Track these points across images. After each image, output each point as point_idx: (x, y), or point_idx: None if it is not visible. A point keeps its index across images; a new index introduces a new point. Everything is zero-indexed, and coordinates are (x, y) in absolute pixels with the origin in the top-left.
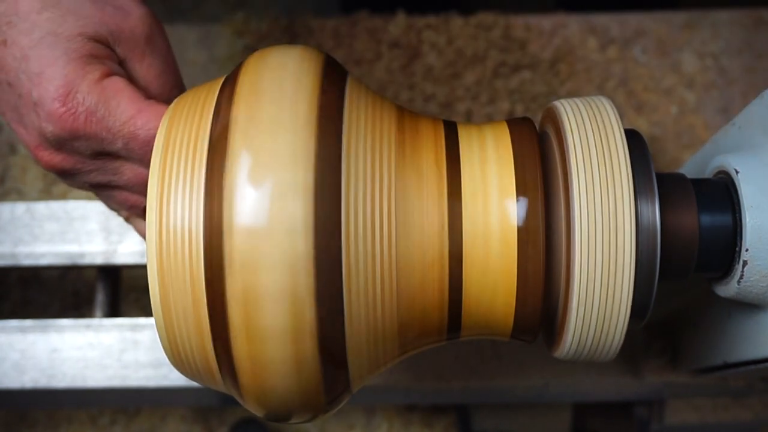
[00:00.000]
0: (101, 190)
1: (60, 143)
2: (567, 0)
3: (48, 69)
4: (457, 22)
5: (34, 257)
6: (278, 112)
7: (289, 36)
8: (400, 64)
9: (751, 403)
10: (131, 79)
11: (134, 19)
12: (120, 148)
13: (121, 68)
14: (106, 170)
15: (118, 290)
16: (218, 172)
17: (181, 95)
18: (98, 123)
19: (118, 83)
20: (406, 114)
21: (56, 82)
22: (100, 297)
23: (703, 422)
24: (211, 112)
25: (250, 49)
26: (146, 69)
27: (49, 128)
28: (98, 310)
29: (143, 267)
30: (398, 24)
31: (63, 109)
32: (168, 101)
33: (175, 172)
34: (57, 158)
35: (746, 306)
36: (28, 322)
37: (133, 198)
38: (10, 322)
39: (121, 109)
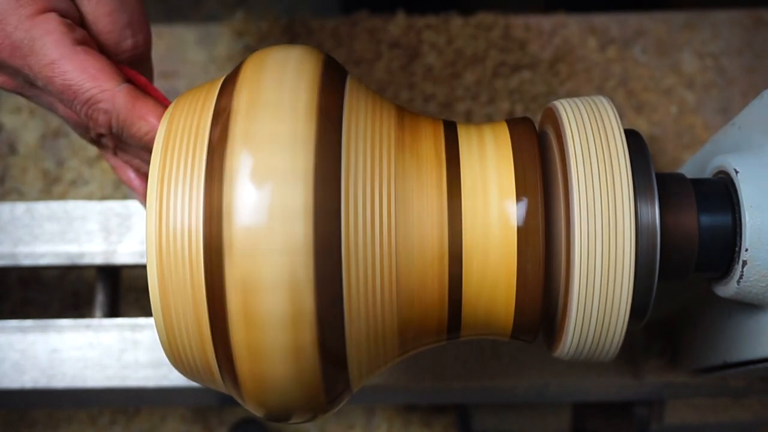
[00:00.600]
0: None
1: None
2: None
3: None
4: (457, 22)
5: (34, 257)
6: (278, 112)
7: (289, 36)
8: (400, 64)
9: (751, 403)
10: (79, 14)
11: None
12: (40, 87)
13: (70, 3)
14: (42, 99)
15: (117, 290)
16: (218, 173)
17: (181, 95)
18: (21, 59)
19: (50, 22)
20: (406, 114)
21: None
22: (100, 297)
23: (703, 422)
24: (211, 112)
25: (250, 49)
26: (95, 5)
27: None
28: (98, 310)
29: (143, 267)
30: (398, 24)
31: None
32: (119, 40)
33: (174, 172)
34: (0, 78)
35: (746, 306)
36: (28, 322)
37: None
38: (10, 322)
39: (44, 51)
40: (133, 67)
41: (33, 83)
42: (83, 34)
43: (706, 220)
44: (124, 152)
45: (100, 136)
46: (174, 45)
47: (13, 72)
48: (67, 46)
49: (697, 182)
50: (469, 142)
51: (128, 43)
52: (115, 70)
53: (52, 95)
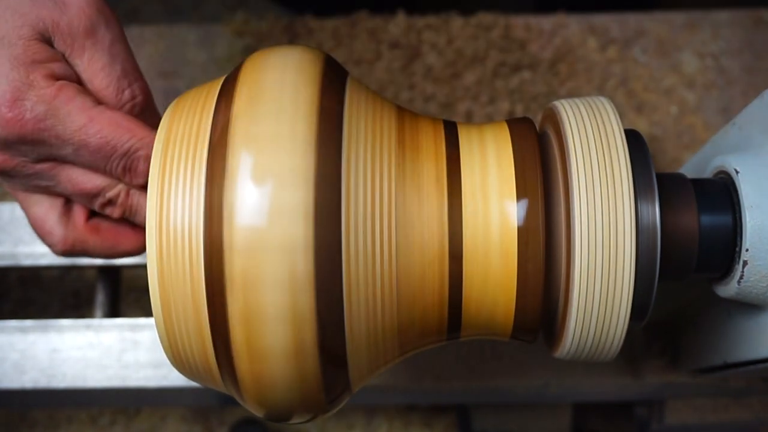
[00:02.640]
0: (33, 192)
1: (6, 145)
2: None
3: None
4: (457, 22)
5: (34, 257)
6: (278, 113)
7: (289, 36)
8: (400, 64)
9: (751, 403)
10: (75, 74)
11: (72, 11)
12: (68, 153)
13: (67, 65)
14: (44, 177)
15: (118, 290)
16: (218, 173)
17: (181, 96)
18: (47, 131)
19: (68, 90)
20: (406, 114)
21: (2, 87)
22: (100, 297)
23: (703, 422)
24: (211, 113)
25: (250, 49)
26: (87, 63)
27: None
28: (98, 310)
29: (143, 267)
30: (398, 24)
31: (10, 114)
32: (116, 92)
33: (175, 172)
34: (17, 117)
35: (746, 306)
36: (28, 322)
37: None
38: (10, 322)
39: (71, 118)
40: (148, 118)
41: (48, 157)
42: (94, 96)
43: (707, 220)
44: (137, 209)
45: (106, 204)
46: (174, 45)
47: (30, 147)
48: (91, 108)
49: (697, 182)
50: (469, 142)
51: (127, 94)
52: (141, 121)
53: (81, 159)
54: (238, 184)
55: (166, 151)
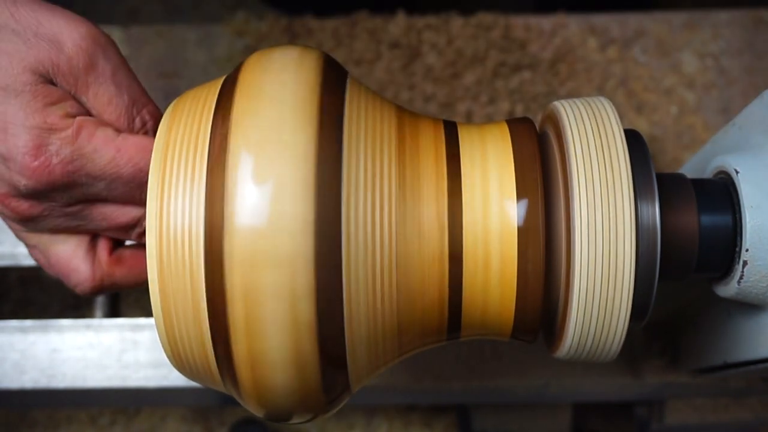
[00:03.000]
0: (58, 233)
1: (35, 195)
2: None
3: (9, 125)
4: (457, 22)
5: None
6: (278, 113)
7: (289, 36)
8: (400, 64)
9: (751, 403)
10: (86, 109)
11: (69, 49)
12: (101, 190)
13: (76, 102)
14: (76, 216)
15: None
16: (219, 173)
17: (181, 95)
18: (77, 171)
19: (88, 127)
20: (406, 114)
21: (24, 137)
22: (100, 297)
23: (703, 422)
24: (212, 113)
25: (250, 49)
26: (93, 98)
27: (22, 182)
28: (98, 310)
29: None
30: (398, 24)
31: (36, 164)
32: (127, 122)
33: (175, 172)
34: (24, 206)
35: (746, 306)
36: (28, 322)
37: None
38: (10, 322)
39: (99, 153)
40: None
41: (80, 199)
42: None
43: (707, 220)
44: None
45: (143, 233)
46: (174, 45)
47: (61, 193)
48: (115, 139)
49: (697, 182)
50: (469, 142)
51: (138, 122)
52: None
53: (114, 193)
54: (239, 190)
55: (166, 153)
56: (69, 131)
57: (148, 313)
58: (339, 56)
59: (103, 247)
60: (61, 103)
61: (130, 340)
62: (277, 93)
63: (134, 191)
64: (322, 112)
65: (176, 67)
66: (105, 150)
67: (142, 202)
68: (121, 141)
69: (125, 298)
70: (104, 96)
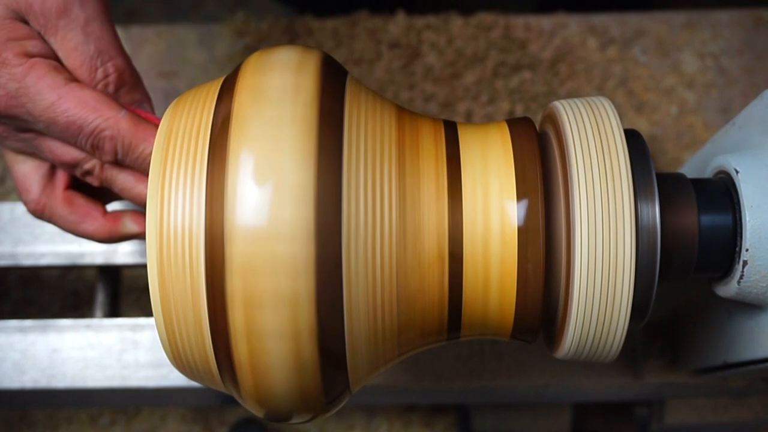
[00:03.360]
0: (22, 153)
1: None
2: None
3: None
4: (457, 22)
5: (34, 257)
6: (278, 113)
7: (289, 36)
8: (400, 64)
9: (751, 403)
10: (52, 51)
11: None
12: (42, 129)
13: (44, 43)
14: (28, 144)
15: (118, 290)
16: (219, 174)
17: (181, 96)
18: (19, 107)
19: (39, 69)
20: (406, 114)
21: None
22: (100, 297)
23: (703, 422)
24: (212, 113)
25: (250, 49)
26: (60, 42)
27: None
28: (98, 310)
29: (143, 267)
30: (398, 24)
31: None
32: (89, 71)
33: (175, 172)
34: None
35: (746, 306)
36: (28, 322)
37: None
38: (10, 322)
39: (41, 96)
40: (124, 94)
41: (28, 129)
42: (69, 73)
43: (707, 220)
44: (111, 182)
45: (85, 174)
46: (174, 45)
47: (8, 120)
48: (61, 87)
49: (697, 182)
50: (469, 142)
51: (100, 72)
52: (111, 99)
53: (53, 135)
54: (238, 195)
55: (167, 150)
56: (20, 69)
57: (148, 313)
58: (339, 56)
59: (60, 179)
60: (23, 40)
61: (130, 340)
62: (277, 94)
63: (69, 139)
64: (322, 113)
65: (176, 67)
66: (48, 94)
67: (80, 148)
68: (66, 90)
69: (125, 297)
70: (71, 42)
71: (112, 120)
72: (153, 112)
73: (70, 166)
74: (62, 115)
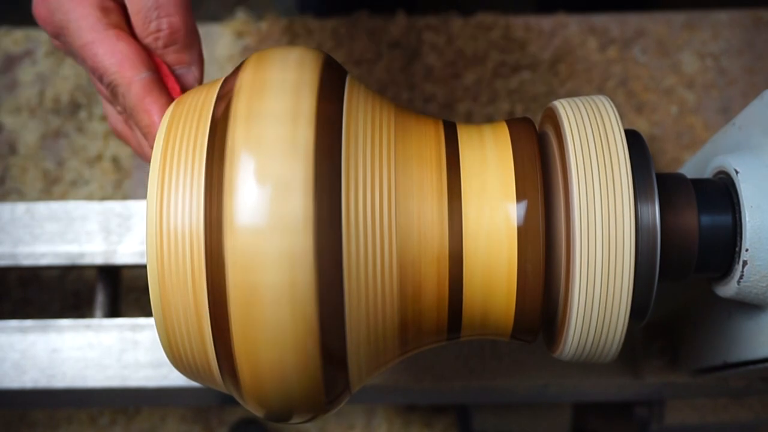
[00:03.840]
0: None
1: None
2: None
3: None
4: (457, 22)
5: (34, 257)
6: (278, 113)
7: (289, 36)
8: (400, 64)
9: (751, 403)
10: None
11: None
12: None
13: None
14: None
15: (118, 290)
16: (218, 173)
17: (181, 96)
18: (63, 36)
19: (85, 7)
20: (406, 114)
21: None
22: (100, 297)
23: (703, 422)
24: (211, 113)
25: (250, 50)
26: None
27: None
28: (98, 310)
29: (143, 267)
30: (398, 24)
31: (35, 6)
32: (143, 21)
33: (174, 172)
34: (43, 15)
35: (746, 306)
36: (28, 322)
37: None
38: (10, 322)
39: (79, 33)
40: (172, 53)
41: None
42: (120, 18)
43: (707, 220)
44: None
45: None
46: None
47: (52, 35)
48: (100, 31)
49: (697, 182)
50: (469, 142)
51: (153, 25)
52: (141, 58)
53: (85, 66)
54: (238, 190)
55: (166, 150)
56: (69, 3)
57: (148, 313)
58: (339, 56)
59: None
60: None
61: (130, 340)
62: (277, 94)
63: (96, 78)
64: (322, 113)
65: None
66: (85, 33)
67: (105, 87)
68: (102, 36)
69: (125, 297)
70: None
71: (127, 80)
72: (201, 76)
73: (99, 80)
74: (91, 58)
